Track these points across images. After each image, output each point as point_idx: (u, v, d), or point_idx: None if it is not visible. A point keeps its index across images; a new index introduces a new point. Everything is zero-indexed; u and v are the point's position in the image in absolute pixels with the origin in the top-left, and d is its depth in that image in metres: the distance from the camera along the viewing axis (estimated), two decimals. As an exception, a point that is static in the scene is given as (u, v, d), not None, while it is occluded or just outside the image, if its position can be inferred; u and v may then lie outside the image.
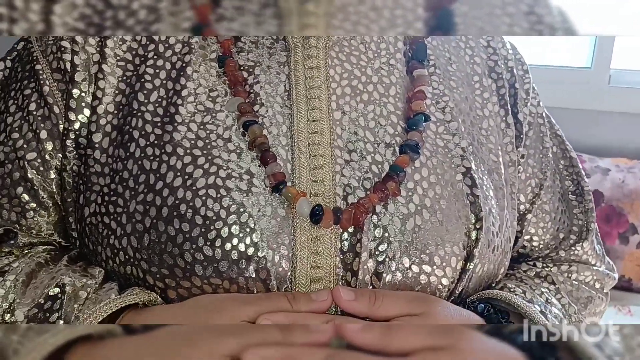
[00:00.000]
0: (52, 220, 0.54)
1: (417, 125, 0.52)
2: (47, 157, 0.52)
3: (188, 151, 0.48)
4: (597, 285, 0.64)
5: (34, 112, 0.52)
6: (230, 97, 0.50)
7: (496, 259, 0.53)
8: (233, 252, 0.45)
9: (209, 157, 0.48)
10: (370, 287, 0.47)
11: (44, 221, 0.53)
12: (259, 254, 0.46)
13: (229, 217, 0.46)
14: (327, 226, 0.47)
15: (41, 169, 0.52)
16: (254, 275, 0.46)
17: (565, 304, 0.58)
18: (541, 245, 0.63)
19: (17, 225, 0.53)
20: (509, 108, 0.59)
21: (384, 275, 0.47)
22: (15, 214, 0.53)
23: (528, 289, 0.55)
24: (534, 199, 0.61)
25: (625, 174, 1.53)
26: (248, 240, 0.46)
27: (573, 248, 0.62)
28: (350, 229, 0.47)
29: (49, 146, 0.52)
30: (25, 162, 0.52)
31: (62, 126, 0.52)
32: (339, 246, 0.47)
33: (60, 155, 0.52)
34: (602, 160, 1.57)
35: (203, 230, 0.45)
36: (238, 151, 0.48)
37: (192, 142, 0.48)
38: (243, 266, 0.45)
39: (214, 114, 0.50)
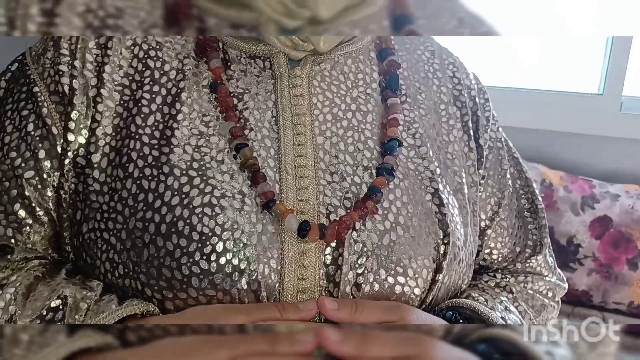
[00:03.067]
0: (47, 235, 0.56)
1: (392, 150, 0.57)
2: (44, 175, 0.54)
3: (184, 172, 0.52)
4: (550, 294, 0.69)
5: (32, 133, 0.55)
6: (222, 122, 0.55)
7: (461, 271, 0.59)
8: (227, 265, 0.49)
9: (204, 178, 0.52)
10: (351, 297, 0.52)
11: (39, 236, 0.56)
12: (251, 267, 0.50)
13: (223, 233, 0.50)
14: (313, 240, 0.51)
15: (39, 186, 0.54)
16: (245, 287, 0.50)
17: (522, 311, 0.64)
18: (500, 258, 0.68)
19: (12, 241, 0.55)
20: (472, 134, 0.65)
21: (363, 286, 0.52)
22: (11, 229, 0.55)
23: (490, 298, 0.60)
24: (493, 216, 0.67)
25: (635, 200, 1.53)
26: (241, 255, 0.50)
27: (528, 261, 0.68)
28: (333, 244, 0.52)
29: (47, 165, 0.54)
30: (23, 180, 0.54)
31: (60, 146, 0.54)
32: (323, 260, 0.52)
33: (58, 174, 0.54)
34: (612, 186, 1.57)
35: (199, 245, 0.49)
36: (230, 172, 0.53)
37: (188, 163, 0.52)
38: (236, 278, 0.50)
39: (207, 138, 0.54)
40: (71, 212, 0.55)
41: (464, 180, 0.62)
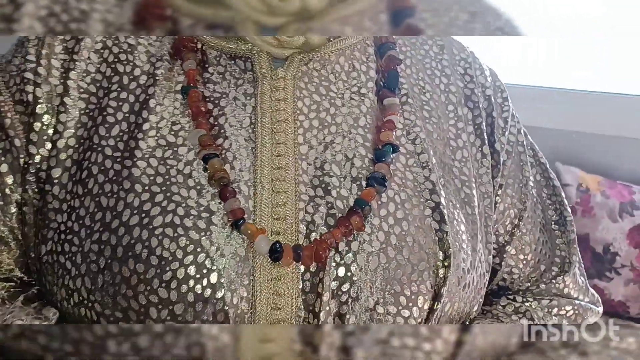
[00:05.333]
0: (13, 255, 0.52)
1: (384, 156, 0.50)
2: (7, 191, 0.50)
3: (146, 188, 0.46)
4: (579, 320, 0.61)
5: None
6: (192, 130, 0.49)
7: (468, 297, 0.52)
8: (189, 294, 0.44)
9: (168, 194, 0.46)
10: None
11: (5, 257, 0.52)
12: (217, 295, 0.44)
13: (185, 257, 0.44)
14: (288, 264, 0.45)
15: (1, 203, 0.50)
16: (211, 319, 0.44)
17: None
18: (521, 278, 0.60)
19: None
20: (486, 137, 0.57)
21: (347, 316, 0.45)
22: None
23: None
24: (513, 230, 0.59)
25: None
26: (205, 282, 0.44)
27: (554, 281, 0.60)
28: (313, 269, 0.46)
29: (9, 180, 0.50)
30: None
31: (22, 160, 0.50)
32: (301, 286, 0.45)
33: (21, 190, 0.50)
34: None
35: (158, 271, 0.44)
36: (198, 187, 0.47)
37: (151, 178, 0.47)
38: (199, 309, 0.44)
39: (175, 149, 0.48)
40: (34, 232, 0.50)
41: (474, 192, 0.54)
